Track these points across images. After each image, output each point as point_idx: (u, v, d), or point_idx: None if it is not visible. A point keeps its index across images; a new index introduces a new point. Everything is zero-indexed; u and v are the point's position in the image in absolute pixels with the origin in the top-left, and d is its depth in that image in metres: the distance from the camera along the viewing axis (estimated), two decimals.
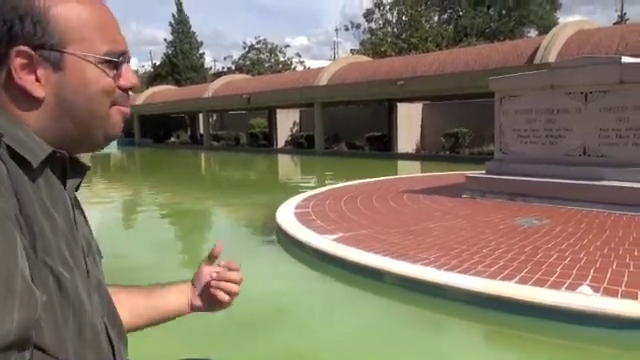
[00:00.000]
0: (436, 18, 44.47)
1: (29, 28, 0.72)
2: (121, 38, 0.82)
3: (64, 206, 0.76)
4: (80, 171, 0.85)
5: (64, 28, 0.74)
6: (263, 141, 31.90)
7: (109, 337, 0.82)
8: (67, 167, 0.79)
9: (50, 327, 0.68)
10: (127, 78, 0.82)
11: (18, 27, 0.71)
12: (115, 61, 0.79)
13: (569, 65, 8.17)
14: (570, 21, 20.44)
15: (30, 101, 0.74)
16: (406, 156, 22.76)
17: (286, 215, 7.18)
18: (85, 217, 0.90)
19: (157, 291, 1.11)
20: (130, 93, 0.87)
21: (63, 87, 0.75)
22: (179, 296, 1.12)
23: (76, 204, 0.85)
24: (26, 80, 0.73)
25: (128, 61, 0.83)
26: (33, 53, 0.72)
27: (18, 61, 0.72)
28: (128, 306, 1.03)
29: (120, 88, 0.81)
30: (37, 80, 0.73)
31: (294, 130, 31.93)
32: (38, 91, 0.73)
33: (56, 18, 0.73)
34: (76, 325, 0.72)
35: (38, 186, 0.72)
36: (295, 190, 10.78)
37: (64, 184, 0.79)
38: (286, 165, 23.36)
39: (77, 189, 0.88)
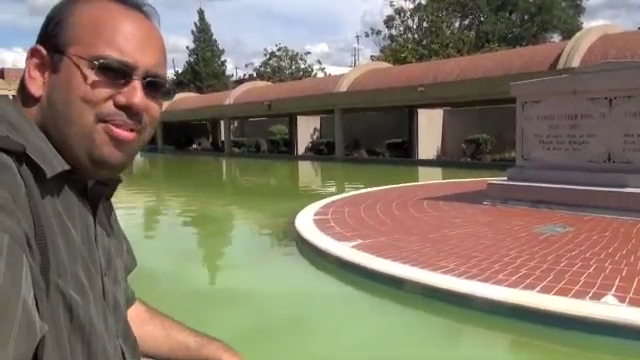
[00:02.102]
0: (457, 24, 44.21)
1: (51, 28, 0.72)
2: (136, 52, 0.72)
3: (84, 224, 0.74)
4: (107, 184, 0.81)
5: (72, 30, 0.72)
6: (283, 148, 32.01)
7: (124, 359, 0.81)
8: (88, 184, 0.76)
9: (55, 355, 0.66)
10: (126, 95, 0.72)
11: (46, 27, 0.73)
12: (94, 63, 0.69)
13: (592, 70, 8.03)
14: (594, 26, 20.14)
15: (31, 100, 0.73)
16: (427, 163, 22.60)
17: (305, 222, 7.17)
18: (112, 231, 0.87)
19: (197, 337, 1.04)
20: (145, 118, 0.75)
21: (54, 89, 0.72)
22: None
23: (101, 220, 0.81)
24: (32, 77, 0.72)
25: (142, 80, 0.74)
26: (45, 53, 0.72)
27: (33, 60, 0.72)
28: (166, 334, 1.01)
29: (117, 106, 0.72)
30: (44, 82, 0.72)
31: (314, 137, 31.98)
32: (34, 88, 0.72)
33: (72, 20, 0.72)
34: (86, 351, 0.70)
35: (57, 203, 0.70)
36: (314, 197, 10.77)
37: (86, 200, 0.76)
38: (306, 171, 23.39)
39: (108, 198, 0.86)
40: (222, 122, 36.46)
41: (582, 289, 3.94)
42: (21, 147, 0.65)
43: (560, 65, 16.79)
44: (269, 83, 37.07)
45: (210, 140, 40.37)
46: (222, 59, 50.50)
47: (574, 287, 3.99)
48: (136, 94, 0.73)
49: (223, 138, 36.62)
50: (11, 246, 0.57)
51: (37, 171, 0.66)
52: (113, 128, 0.72)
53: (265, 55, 50.90)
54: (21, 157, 0.65)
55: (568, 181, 7.58)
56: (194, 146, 39.71)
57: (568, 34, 33.47)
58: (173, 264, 6.21)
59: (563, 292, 3.89)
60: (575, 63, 16.28)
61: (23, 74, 0.74)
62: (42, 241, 0.63)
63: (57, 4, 0.75)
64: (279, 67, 50.36)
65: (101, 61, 0.70)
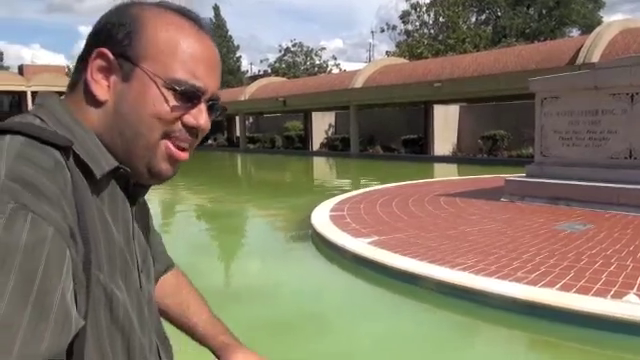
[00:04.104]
0: (474, 19, 43.78)
1: (121, 36, 0.73)
2: (206, 77, 0.76)
3: (124, 220, 0.76)
4: (146, 185, 0.83)
5: (148, 45, 0.73)
6: (298, 144, 32.01)
7: (159, 355, 0.82)
8: (130, 182, 0.78)
9: (96, 349, 0.67)
10: (194, 116, 0.76)
11: (114, 31, 0.73)
12: (176, 89, 0.73)
13: (614, 65, 7.90)
14: (615, 20, 19.82)
15: (94, 103, 0.74)
16: (443, 159, 22.46)
17: (321, 218, 7.16)
18: (149, 228, 0.89)
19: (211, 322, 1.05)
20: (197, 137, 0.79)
21: (123, 99, 0.73)
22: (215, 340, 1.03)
23: (138, 216, 0.83)
24: (96, 80, 0.73)
25: (206, 102, 0.77)
26: (112, 58, 0.73)
27: (97, 62, 0.73)
28: (181, 313, 1.04)
29: (183, 125, 0.76)
30: (108, 86, 0.74)
31: (329, 133, 31.92)
32: (99, 92, 0.73)
33: (147, 34, 0.73)
34: (125, 345, 0.71)
35: (101, 198, 0.72)
36: (330, 193, 10.77)
37: (128, 197, 0.78)
38: (321, 168, 23.37)
39: (142, 197, 0.87)
40: (237, 118, 36.57)
41: (603, 287, 3.88)
42: (69, 142, 0.67)
43: (579, 60, 16.55)
44: (284, 79, 37.09)
45: (225, 136, 40.53)
46: (237, 55, 50.70)
47: (595, 285, 3.93)
48: (202, 116, 0.77)
49: (238, 134, 36.75)
50: (55, 238, 0.58)
51: (83, 167, 0.69)
52: (173, 149, 0.76)
53: (280, 51, 50.99)
54: (68, 152, 0.67)
55: (588, 178, 7.47)
56: (209, 142, 39.90)
57: (587, 29, 33.00)
58: (190, 258, 6.24)
59: (584, 290, 3.84)
60: (595, 58, 16.03)
61: (83, 74, 0.74)
62: (85, 234, 0.65)
63: (120, 7, 0.76)
64: (294, 63, 50.36)
65: (182, 87, 0.73)
